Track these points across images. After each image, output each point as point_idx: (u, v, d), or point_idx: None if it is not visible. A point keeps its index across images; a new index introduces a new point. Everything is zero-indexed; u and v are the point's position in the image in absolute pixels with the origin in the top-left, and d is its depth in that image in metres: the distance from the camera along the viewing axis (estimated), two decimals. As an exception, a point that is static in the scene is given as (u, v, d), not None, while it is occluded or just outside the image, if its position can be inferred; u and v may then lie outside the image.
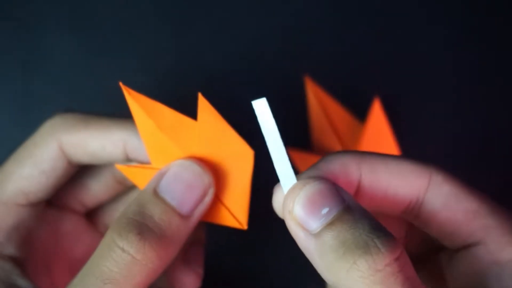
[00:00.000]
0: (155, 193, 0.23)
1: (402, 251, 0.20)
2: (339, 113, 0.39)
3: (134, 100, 0.24)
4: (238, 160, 0.25)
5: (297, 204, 0.21)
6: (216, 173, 0.24)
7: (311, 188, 0.21)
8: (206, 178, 0.24)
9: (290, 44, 0.40)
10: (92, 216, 0.30)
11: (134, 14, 0.40)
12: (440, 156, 0.40)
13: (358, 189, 0.23)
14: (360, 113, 0.39)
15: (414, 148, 0.39)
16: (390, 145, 0.38)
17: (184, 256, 0.27)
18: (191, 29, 0.40)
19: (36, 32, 0.39)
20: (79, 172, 0.28)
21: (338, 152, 0.23)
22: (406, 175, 0.23)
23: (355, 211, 0.21)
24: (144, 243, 0.22)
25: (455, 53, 0.40)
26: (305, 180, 0.21)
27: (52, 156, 0.26)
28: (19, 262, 0.26)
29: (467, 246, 0.23)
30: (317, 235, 0.20)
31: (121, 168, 0.25)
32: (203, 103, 0.24)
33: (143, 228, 0.22)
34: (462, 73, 0.40)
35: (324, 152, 0.39)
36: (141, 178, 0.24)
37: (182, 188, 0.23)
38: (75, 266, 0.28)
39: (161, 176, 0.24)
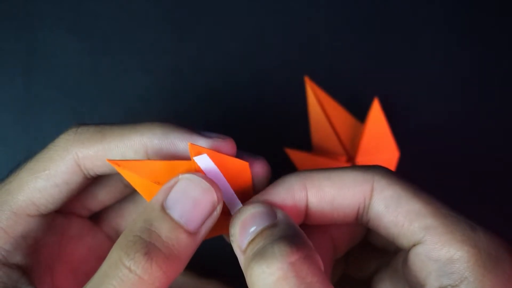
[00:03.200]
0: (163, 209, 0.23)
1: (304, 255, 0.21)
2: (339, 113, 0.39)
3: (125, 169, 0.23)
4: (238, 176, 0.25)
5: (233, 226, 0.23)
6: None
7: (245, 211, 0.23)
8: (214, 194, 0.23)
9: (290, 44, 0.40)
10: (95, 215, 0.30)
11: (134, 14, 0.40)
12: (439, 156, 0.40)
13: (307, 208, 0.24)
14: (360, 113, 0.39)
15: (413, 148, 0.39)
16: (389, 145, 0.38)
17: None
18: (191, 29, 0.40)
19: (36, 32, 0.39)
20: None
21: (285, 176, 0.25)
22: (349, 186, 0.24)
23: (279, 225, 0.22)
24: (151, 263, 0.21)
25: (455, 53, 0.40)
26: (245, 206, 0.23)
27: (68, 170, 0.25)
28: (25, 270, 0.26)
29: (412, 246, 0.24)
30: (243, 251, 0.22)
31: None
32: (194, 151, 0.24)
33: (150, 247, 0.22)
34: (462, 73, 0.40)
35: (324, 152, 0.39)
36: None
37: (190, 205, 0.23)
38: (77, 268, 0.29)
39: (168, 190, 0.23)
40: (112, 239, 0.30)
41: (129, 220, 0.30)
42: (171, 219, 0.22)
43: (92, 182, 0.28)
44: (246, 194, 0.25)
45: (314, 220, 0.25)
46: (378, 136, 0.38)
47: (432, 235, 0.23)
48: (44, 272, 0.27)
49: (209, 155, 0.24)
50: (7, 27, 0.39)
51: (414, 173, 0.39)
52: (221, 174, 0.24)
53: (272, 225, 0.22)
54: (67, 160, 0.25)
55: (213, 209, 0.23)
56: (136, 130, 0.25)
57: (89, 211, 0.29)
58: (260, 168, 0.25)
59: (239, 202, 0.24)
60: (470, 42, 0.41)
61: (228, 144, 0.25)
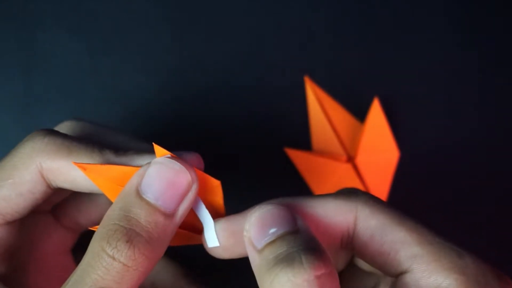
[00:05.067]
0: (138, 194, 0.23)
1: (328, 271, 0.21)
2: (339, 113, 0.39)
3: (92, 173, 0.24)
4: (211, 194, 0.25)
5: (249, 223, 0.23)
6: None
7: (264, 209, 0.23)
8: (188, 174, 0.23)
9: (290, 44, 0.40)
10: (53, 210, 0.30)
11: (134, 14, 0.40)
12: (439, 156, 0.40)
13: None
14: (360, 113, 0.39)
15: (413, 148, 0.39)
16: (389, 145, 0.38)
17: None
18: (191, 29, 0.40)
19: (36, 32, 0.39)
20: None
21: (266, 204, 0.24)
22: (332, 215, 0.24)
23: (301, 234, 0.22)
24: (133, 250, 0.22)
25: (455, 53, 0.40)
26: (264, 204, 0.23)
27: (32, 179, 0.25)
28: (2, 277, 0.26)
29: (399, 275, 0.23)
30: (260, 251, 0.22)
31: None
32: (159, 152, 0.24)
33: (131, 234, 0.22)
34: (462, 73, 0.40)
35: (324, 152, 0.39)
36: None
37: (165, 187, 0.23)
38: (47, 265, 0.29)
39: (141, 176, 0.23)
40: (73, 231, 0.30)
41: (86, 210, 0.30)
42: (148, 203, 0.22)
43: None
44: (216, 213, 0.25)
45: None
46: (378, 136, 0.38)
47: (419, 264, 0.22)
48: (19, 276, 0.27)
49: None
50: (7, 27, 0.39)
51: (414, 173, 0.39)
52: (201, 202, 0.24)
53: (294, 231, 0.22)
54: (31, 169, 0.25)
55: (188, 188, 0.23)
56: (101, 152, 0.25)
57: (51, 205, 0.29)
58: (198, 162, 0.25)
59: (207, 212, 0.24)
60: (470, 42, 0.41)
61: (193, 157, 0.25)
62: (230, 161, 0.39)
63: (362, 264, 0.28)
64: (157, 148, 0.24)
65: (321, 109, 0.38)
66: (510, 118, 0.40)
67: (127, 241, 0.22)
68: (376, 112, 0.38)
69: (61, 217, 0.30)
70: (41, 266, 0.28)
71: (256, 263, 0.22)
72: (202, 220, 0.24)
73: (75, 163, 0.24)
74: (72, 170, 0.25)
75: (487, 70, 0.40)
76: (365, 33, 0.40)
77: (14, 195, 0.25)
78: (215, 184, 0.24)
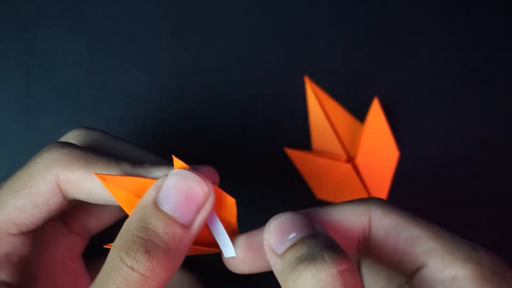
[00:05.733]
0: (156, 205, 0.23)
1: (350, 267, 0.21)
2: (339, 113, 0.39)
3: (111, 184, 0.24)
4: (225, 210, 0.25)
5: (268, 232, 0.23)
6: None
7: (281, 217, 0.23)
8: (205, 186, 0.23)
9: (290, 44, 0.40)
10: (62, 216, 0.30)
11: (134, 14, 0.40)
12: (439, 156, 0.40)
13: None
14: (360, 113, 0.39)
15: (413, 148, 0.39)
16: (389, 145, 0.38)
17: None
18: (191, 29, 0.40)
19: (36, 33, 0.39)
20: None
21: (283, 215, 0.24)
22: (347, 219, 0.24)
23: (321, 236, 0.22)
24: (152, 260, 0.22)
25: (455, 53, 0.40)
26: (280, 214, 0.24)
27: (48, 190, 0.25)
28: (12, 287, 0.26)
29: (415, 271, 0.24)
30: (281, 255, 0.22)
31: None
32: (178, 165, 0.24)
33: (149, 245, 0.22)
34: (462, 73, 0.40)
35: (324, 152, 0.39)
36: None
37: (182, 198, 0.23)
38: (57, 272, 0.29)
39: (158, 187, 0.23)
40: (82, 236, 0.30)
41: (96, 216, 0.30)
42: (165, 214, 0.23)
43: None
44: (229, 229, 0.25)
45: None
46: (378, 136, 0.38)
47: (435, 257, 0.23)
48: (29, 284, 0.27)
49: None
50: (7, 27, 0.39)
51: (414, 173, 0.39)
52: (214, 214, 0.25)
53: (313, 235, 0.22)
54: (48, 180, 0.25)
55: (205, 200, 0.23)
56: (119, 165, 0.25)
57: (60, 213, 0.29)
58: (214, 177, 0.25)
59: (221, 226, 0.25)
60: (470, 42, 0.41)
61: (211, 172, 0.25)
62: (230, 161, 0.39)
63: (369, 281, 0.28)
64: (176, 160, 0.24)
65: (321, 109, 0.38)
66: (510, 118, 0.40)
67: (145, 252, 0.22)
68: (376, 112, 0.38)
69: (71, 223, 0.30)
70: (52, 273, 0.29)
71: (278, 268, 0.22)
72: (215, 233, 0.25)
73: (96, 174, 0.24)
74: (89, 181, 0.25)
75: (487, 70, 0.40)
76: (365, 33, 0.40)
77: (30, 205, 0.25)
78: (230, 202, 0.25)
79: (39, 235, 0.28)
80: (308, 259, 0.21)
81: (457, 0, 0.41)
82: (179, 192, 0.23)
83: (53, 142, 0.26)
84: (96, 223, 0.30)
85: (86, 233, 0.30)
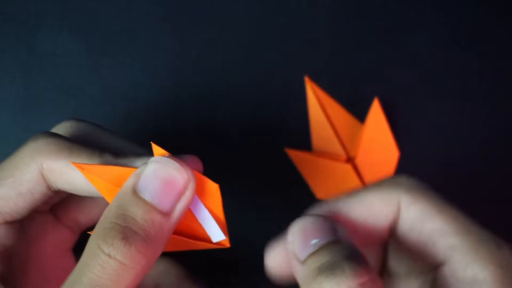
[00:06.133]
0: (135, 193, 0.23)
1: (371, 278, 0.21)
2: (339, 113, 0.39)
3: (89, 173, 0.24)
4: (209, 197, 0.25)
5: (291, 235, 0.23)
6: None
7: (305, 221, 0.23)
8: (184, 173, 0.23)
9: (290, 45, 0.40)
10: (53, 209, 0.30)
11: (134, 14, 0.40)
12: (439, 156, 0.40)
13: None
14: (360, 114, 0.39)
15: (413, 148, 0.39)
16: (389, 145, 0.38)
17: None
18: (191, 29, 0.40)
19: (36, 32, 0.39)
20: None
21: (309, 215, 0.24)
22: (376, 207, 0.24)
23: (343, 244, 0.22)
24: (130, 247, 0.22)
25: (455, 53, 0.40)
26: (305, 216, 0.24)
27: (32, 179, 0.25)
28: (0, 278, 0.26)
29: (437, 268, 0.23)
30: (303, 262, 0.22)
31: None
32: (157, 151, 0.24)
33: (127, 232, 0.22)
34: (462, 73, 0.40)
35: (324, 152, 0.39)
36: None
37: (161, 185, 0.23)
38: (45, 265, 0.29)
39: (138, 175, 0.23)
40: (73, 230, 0.30)
41: (86, 209, 0.30)
42: (144, 201, 0.22)
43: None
44: (215, 215, 0.25)
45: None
46: (378, 136, 0.38)
47: (457, 255, 0.22)
48: (18, 276, 0.27)
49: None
50: (7, 27, 0.39)
51: (414, 173, 0.39)
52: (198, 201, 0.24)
53: (335, 241, 0.22)
54: (32, 169, 0.25)
55: (185, 187, 0.23)
56: (101, 155, 0.25)
57: (49, 205, 0.29)
58: (197, 165, 0.25)
59: (209, 216, 0.24)
60: (470, 42, 0.41)
61: (193, 160, 0.25)
62: (230, 161, 0.39)
63: (393, 266, 0.28)
64: (155, 147, 0.24)
65: (321, 109, 0.38)
66: (510, 118, 0.40)
67: (123, 239, 0.22)
68: (376, 112, 0.38)
69: (61, 216, 0.30)
70: (40, 266, 0.28)
71: (300, 274, 0.22)
72: (201, 220, 0.24)
73: (72, 162, 0.24)
74: (72, 171, 0.25)
75: (487, 70, 0.40)
76: (365, 33, 0.40)
77: (13, 194, 0.25)
78: (214, 187, 0.24)
79: (28, 227, 0.28)
80: (329, 269, 0.21)
81: (457, 0, 0.41)
82: (158, 179, 0.23)
83: (39, 132, 0.26)
84: (86, 217, 0.30)
85: (76, 227, 0.30)
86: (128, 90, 0.39)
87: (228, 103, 0.40)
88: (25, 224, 0.28)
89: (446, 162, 0.40)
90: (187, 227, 0.25)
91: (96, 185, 0.24)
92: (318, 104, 0.38)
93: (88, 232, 0.24)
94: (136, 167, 0.24)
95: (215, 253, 0.31)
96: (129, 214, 0.22)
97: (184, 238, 0.24)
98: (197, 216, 0.24)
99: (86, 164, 0.24)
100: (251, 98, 0.40)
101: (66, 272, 0.29)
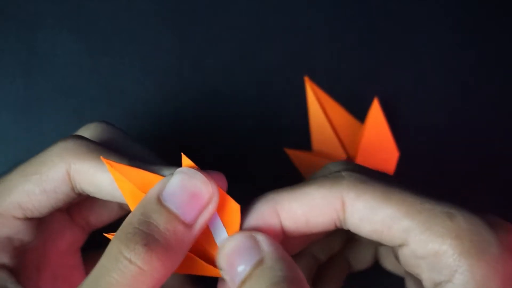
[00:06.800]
0: (160, 201, 0.23)
1: None
2: (339, 113, 0.39)
3: (117, 171, 0.24)
4: (228, 215, 0.25)
5: (220, 260, 0.24)
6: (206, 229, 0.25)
7: (228, 245, 0.24)
8: (210, 187, 0.23)
9: (290, 45, 0.40)
10: (68, 208, 0.30)
11: (134, 14, 0.40)
12: (439, 156, 0.40)
13: (284, 232, 0.25)
14: (360, 114, 0.39)
15: (413, 148, 0.39)
16: (389, 145, 0.38)
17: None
18: (191, 29, 0.40)
19: (36, 32, 0.39)
20: None
21: (254, 202, 0.25)
22: (319, 205, 0.24)
23: (266, 263, 0.23)
24: (151, 254, 0.22)
25: (455, 53, 0.40)
26: (228, 238, 0.24)
27: (58, 178, 0.25)
28: (12, 271, 0.26)
29: (397, 247, 0.24)
30: None
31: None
32: (186, 163, 0.24)
33: (149, 238, 0.22)
34: (462, 73, 0.40)
35: (324, 153, 0.39)
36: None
37: (187, 197, 0.23)
38: (58, 264, 0.29)
39: (164, 184, 0.23)
40: (84, 230, 0.30)
41: (99, 210, 0.30)
42: (168, 210, 0.23)
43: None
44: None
45: (292, 236, 0.25)
46: (378, 136, 0.38)
47: (412, 236, 0.23)
48: (31, 273, 0.27)
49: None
50: (7, 27, 0.39)
51: (414, 173, 0.39)
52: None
53: (259, 263, 0.23)
54: (59, 167, 0.25)
55: (209, 201, 0.23)
56: (131, 159, 0.25)
57: (69, 205, 0.29)
58: (221, 182, 0.25)
59: (225, 232, 0.24)
60: (470, 42, 0.41)
61: (219, 177, 0.25)
62: (230, 161, 0.39)
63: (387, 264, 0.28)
64: (184, 159, 0.24)
65: (321, 109, 0.38)
66: (510, 118, 0.40)
67: (145, 245, 0.22)
68: (376, 112, 0.38)
69: (74, 216, 0.30)
70: (52, 264, 0.29)
71: None
72: (216, 236, 0.25)
73: (103, 158, 0.24)
74: (99, 174, 0.25)
75: (486, 70, 0.40)
76: (365, 33, 0.40)
77: (38, 190, 0.25)
78: (235, 208, 0.24)
79: (46, 224, 0.28)
80: None
81: (457, 0, 0.41)
82: (184, 190, 0.23)
83: (70, 135, 0.26)
84: (97, 218, 0.30)
85: (87, 227, 0.30)
86: (128, 90, 0.39)
87: (228, 103, 0.40)
88: (43, 221, 0.28)
89: (446, 162, 0.40)
90: (200, 246, 0.25)
91: (121, 186, 0.24)
92: (318, 104, 0.38)
93: (104, 234, 0.24)
94: (163, 176, 0.24)
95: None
96: (153, 222, 0.22)
97: (196, 257, 0.24)
98: (214, 233, 0.25)
99: (116, 162, 0.24)
100: (251, 98, 0.40)
101: (74, 271, 0.29)
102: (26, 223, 0.26)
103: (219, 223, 0.24)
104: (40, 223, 0.27)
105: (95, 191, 0.26)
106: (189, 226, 0.23)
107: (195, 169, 0.24)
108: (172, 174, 0.24)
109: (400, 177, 0.39)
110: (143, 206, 0.23)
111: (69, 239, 0.30)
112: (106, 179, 0.25)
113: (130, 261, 0.22)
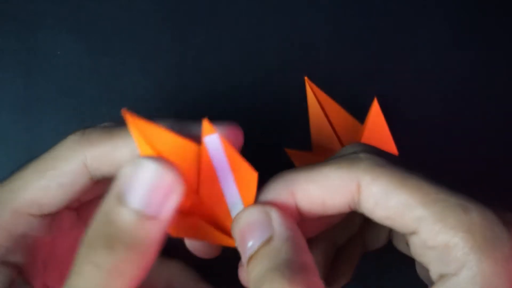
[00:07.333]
0: (118, 198, 0.22)
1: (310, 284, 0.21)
2: (338, 113, 0.39)
3: (135, 127, 0.23)
4: (242, 182, 0.24)
5: (233, 234, 0.23)
6: (218, 195, 0.24)
7: (241, 219, 0.23)
8: (170, 175, 0.22)
9: (290, 45, 0.40)
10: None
11: (134, 14, 0.40)
12: (439, 156, 0.40)
13: (299, 212, 0.24)
14: (360, 114, 0.39)
15: (413, 148, 0.39)
16: (389, 146, 0.38)
17: None
18: (191, 30, 0.40)
19: (36, 32, 0.39)
20: None
21: (269, 182, 0.24)
22: (334, 186, 0.24)
23: (275, 242, 0.22)
24: (115, 256, 0.21)
25: (455, 53, 0.40)
26: (242, 211, 0.24)
27: (73, 170, 0.25)
28: (22, 269, 0.26)
29: (409, 236, 0.24)
30: (247, 265, 0.23)
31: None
32: (207, 129, 0.23)
33: (111, 238, 0.21)
34: (462, 73, 0.40)
35: (324, 153, 0.39)
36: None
37: (146, 189, 0.22)
38: (64, 261, 0.29)
39: (121, 178, 0.22)
40: None
41: None
42: (128, 206, 0.22)
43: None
44: (246, 203, 0.24)
45: (307, 217, 0.25)
46: (377, 136, 0.38)
47: (425, 225, 0.22)
48: (39, 271, 0.27)
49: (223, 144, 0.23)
50: (7, 27, 0.39)
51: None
52: (228, 165, 0.23)
53: (267, 241, 0.22)
54: (73, 160, 0.25)
55: (171, 190, 0.22)
56: None
57: (79, 203, 0.29)
58: (234, 138, 0.25)
59: (240, 202, 0.24)
60: (470, 42, 0.41)
61: (232, 131, 0.25)
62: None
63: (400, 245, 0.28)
64: (205, 125, 0.23)
65: (321, 109, 0.38)
66: (510, 118, 0.40)
67: (106, 246, 0.21)
68: (376, 112, 0.38)
69: (84, 215, 0.30)
70: (60, 262, 0.28)
71: (246, 278, 0.23)
72: (231, 205, 0.24)
73: (123, 110, 0.23)
74: (117, 151, 0.25)
75: (486, 70, 0.40)
76: (365, 33, 0.40)
77: (54, 185, 0.25)
78: (252, 176, 0.23)
79: (56, 222, 0.28)
80: (259, 284, 0.21)
81: (457, 0, 0.41)
82: (142, 182, 0.22)
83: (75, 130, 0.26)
84: None
85: None
86: (128, 90, 0.39)
87: (227, 103, 0.40)
88: (55, 218, 0.28)
89: (446, 162, 0.40)
90: (216, 215, 0.24)
91: (140, 147, 0.23)
92: (318, 104, 0.38)
93: None
94: (193, 134, 0.23)
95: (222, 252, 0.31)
96: (114, 222, 0.22)
97: (211, 227, 0.24)
98: (228, 202, 0.24)
99: (137, 118, 0.23)
100: (251, 98, 0.40)
101: None
102: (40, 220, 0.26)
103: (235, 193, 0.24)
104: (53, 220, 0.27)
105: (116, 170, 0.25)
106: (153, 218, 0.22)
107: (155, 157, 0.22)
108: (129, 165, 0.22)
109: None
110: (103, 205, 0.22)
111: (77, 237, 0.29)
112: (126, 154, 0.24)
113: (95, 264, 0.21)
